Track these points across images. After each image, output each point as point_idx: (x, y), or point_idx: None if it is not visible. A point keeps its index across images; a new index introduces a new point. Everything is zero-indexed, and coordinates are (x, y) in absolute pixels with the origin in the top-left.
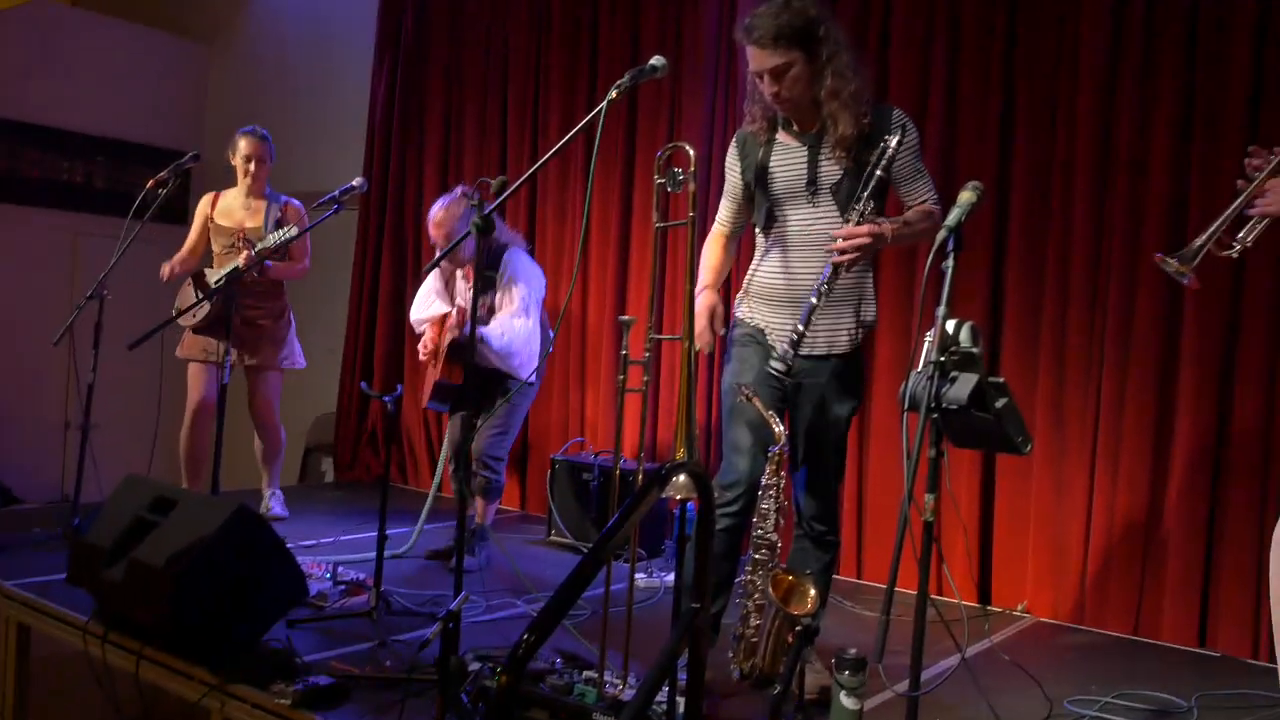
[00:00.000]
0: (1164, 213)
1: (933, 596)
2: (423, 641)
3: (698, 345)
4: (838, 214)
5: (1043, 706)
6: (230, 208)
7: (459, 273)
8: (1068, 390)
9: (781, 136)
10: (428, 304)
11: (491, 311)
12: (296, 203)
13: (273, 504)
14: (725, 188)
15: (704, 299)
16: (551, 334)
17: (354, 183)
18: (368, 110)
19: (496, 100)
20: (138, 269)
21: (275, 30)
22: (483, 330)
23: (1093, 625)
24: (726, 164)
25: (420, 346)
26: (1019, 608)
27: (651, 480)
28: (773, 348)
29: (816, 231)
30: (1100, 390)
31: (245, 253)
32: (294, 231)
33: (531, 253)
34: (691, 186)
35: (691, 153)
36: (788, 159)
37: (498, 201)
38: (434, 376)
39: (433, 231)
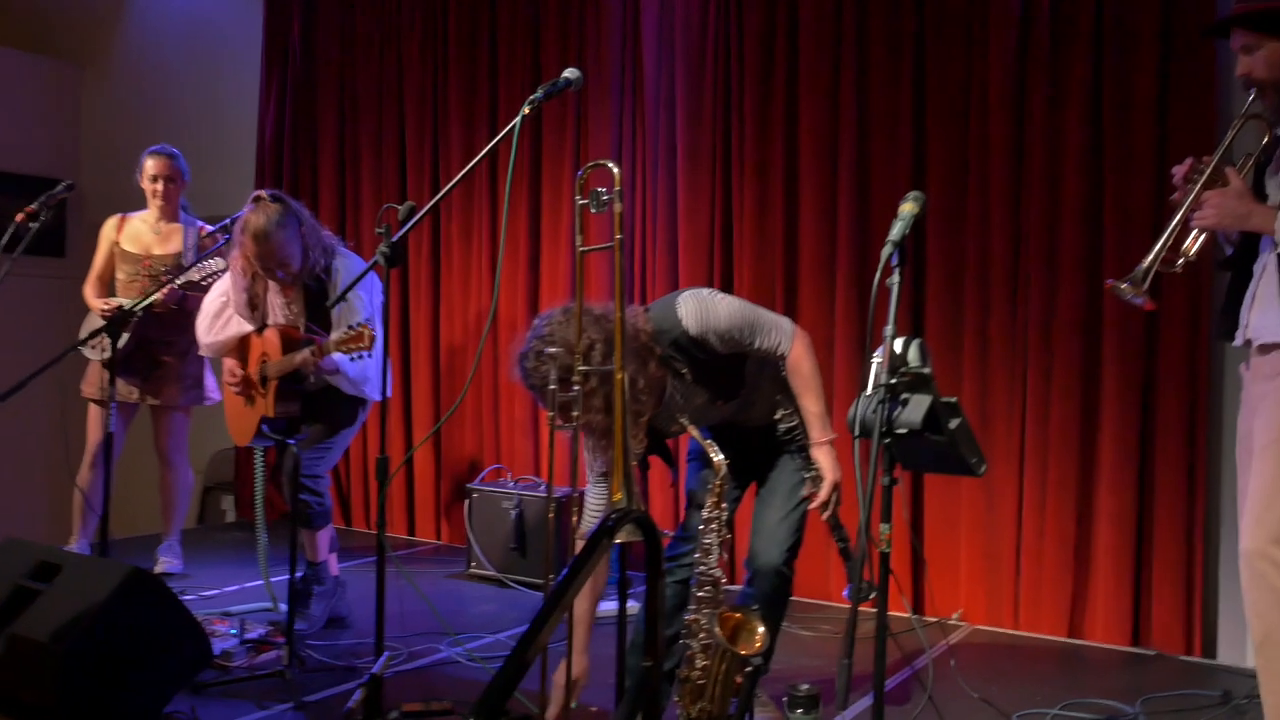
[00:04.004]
0: (1079, 213)
1: (867, 610)
2: (346, 713)
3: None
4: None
5: None
6: (138, 232)
7: (272, 286)
8: (993, 395)
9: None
10: (222, 323)
11: (325, 329)
12: (209, 227)
13: (165, 557)
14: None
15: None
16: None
17: (246, 210)
18: (257, 132)
19: (393, 118)
20: (11, 307)
21: (154, 49)
22: (338, 360)
23: (1028, 630)
24: None
25: (227, 375)
26: (954, 616)
27: (600, 533)
28: None
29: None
30: (1025, 394)
31: (169, 287)
32: (221, 264)
33: (437, 275)
34: (617, 207)
35: (616, 171)
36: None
37: (405, 228)
38: (254, 411)
39: (255, 247)
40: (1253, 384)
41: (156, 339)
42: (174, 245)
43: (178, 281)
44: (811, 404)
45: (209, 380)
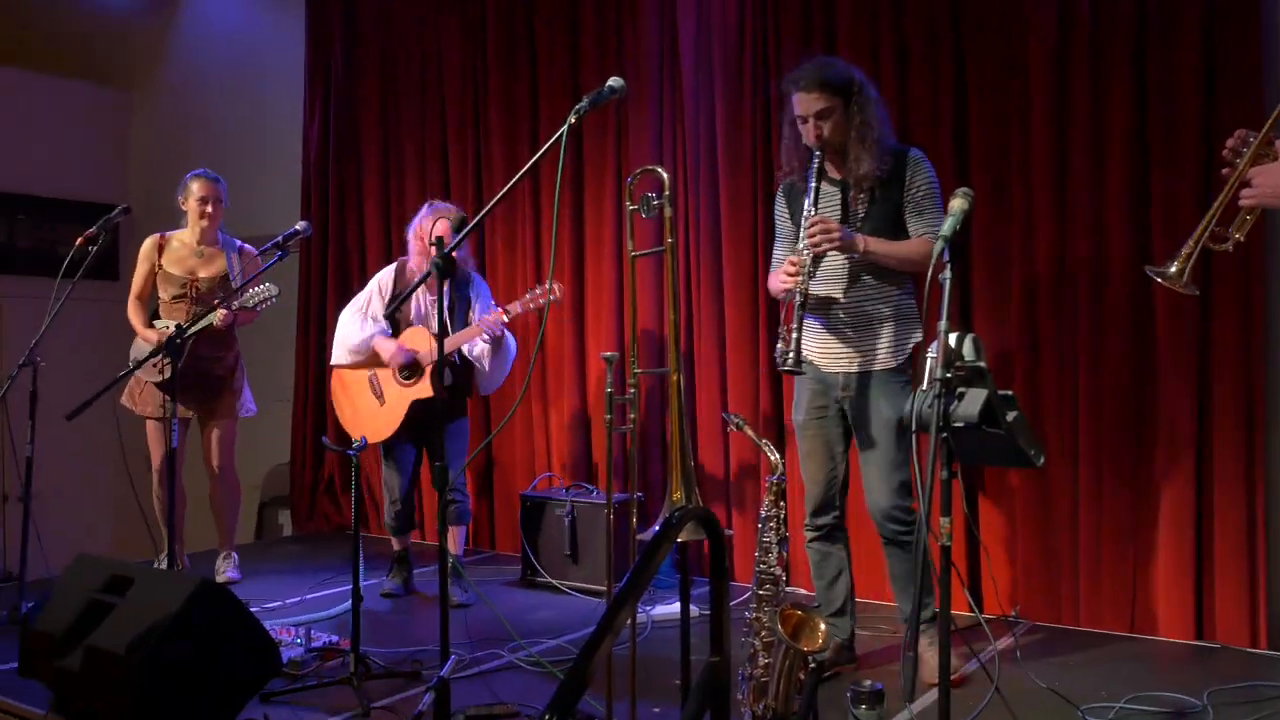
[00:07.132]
0: (1125, 200)
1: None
2: (416, 716)
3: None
4: None
5: (1061, 716)
6: (180, 255)
7: (419, 290)
8: (1044, 391)
9: (817, 184)
10: (366, 318)
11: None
12: (251, 248)
13: (224, 568)
14: (777, 233)
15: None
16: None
17: (298, 227)
18: (301, 150)
19: (436, 133)
20: (72, 331)
21: (199, 72)
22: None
23: (1088, 625)
24: (776, 210)
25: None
26: (1013, 612)
27: (664, 532)
28: (821, 368)
29: (852, 265)
30: (1077, 388)
31: (223, 312)
32: (276, 291)
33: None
34: (668, 211)
35: (665, 176)
36: (824, 203)
37: (459, 239)
38: (386, 408)
39: (440, 227)
40: None
41: (207, 355)
42: (218, 268)
43: (234, 306)
44: (910, 249)
45: (249, 393)
